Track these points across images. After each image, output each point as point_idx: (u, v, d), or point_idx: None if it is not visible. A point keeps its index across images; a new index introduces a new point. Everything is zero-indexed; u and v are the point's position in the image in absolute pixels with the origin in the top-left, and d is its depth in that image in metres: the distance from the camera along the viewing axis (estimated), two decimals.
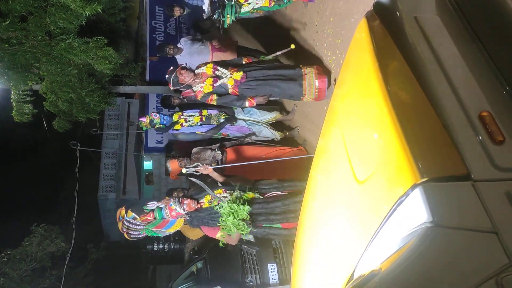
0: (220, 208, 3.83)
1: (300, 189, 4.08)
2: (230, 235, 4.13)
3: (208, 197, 4.00)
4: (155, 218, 3.90)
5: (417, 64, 1.79)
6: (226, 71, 4.46)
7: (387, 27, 2.04)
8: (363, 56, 2.08)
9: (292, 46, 4.48)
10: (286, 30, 5.71)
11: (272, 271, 4.98)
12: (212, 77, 4.46)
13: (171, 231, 4.08)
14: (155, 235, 4.09)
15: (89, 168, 14.62)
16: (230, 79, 4.44)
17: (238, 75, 4.43)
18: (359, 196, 1.89)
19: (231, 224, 3.78)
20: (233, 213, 3.79)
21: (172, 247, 9.62)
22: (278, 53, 4.63)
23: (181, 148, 5.74)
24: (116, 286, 15.52)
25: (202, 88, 4.48)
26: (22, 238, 10.18)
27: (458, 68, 1.71)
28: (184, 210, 3.86)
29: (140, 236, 4.00)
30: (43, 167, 16.36)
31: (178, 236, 9.41)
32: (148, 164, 10.95)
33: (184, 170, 4.13)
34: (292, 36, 5.53)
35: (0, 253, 9.88)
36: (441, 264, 1.35)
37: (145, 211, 3.95)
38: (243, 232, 3.87)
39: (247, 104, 4.53)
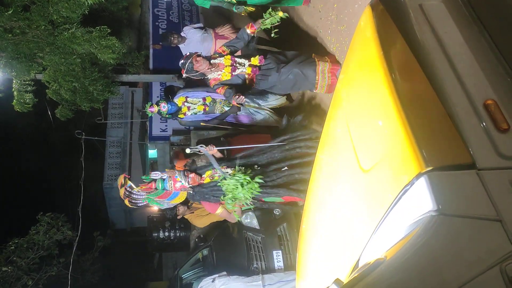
0: (223, 181, 3.90)
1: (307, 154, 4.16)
2: (230, 212, 4.20)
3: (209, 172, 4.07)
4: (156, 189, 3.92)
5: (422, 52, 1.78)
6: (244, 60, 4.45)
7: (392, 15, 2.02)
8: (368, 44, 2.07)
9: (280, 14, 4.33)
10: (289, 18, 5.66)
11: (277, 258, 5.01)
12: (231, 65, 4.45)
13: (174, 202, 4.09)
14: (157, 205, 4.09)
15: (94, 157, 14.71)
16: (249, 67, 4.43)
17: (256, 60, 4.43)
18: (364, 185, 1.90)
19: (241, 194, 3.86)
20: (241, 183, 3.85)
21: (178, 234, 9.67)
22: (266, 20, 4.45)
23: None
24: (123, 273, 15.70)
25: (219, 75, 4.46)
26: (28, 227, 10.26)
27: (463, 56, 1.70)
28: (188, 183, 3.89)
29: (141, 204, 4.00)
30: (49, 156, 16.44)
31: (184, 224, 9.46)
32: (152, 153, 10.97)
33: (187, 150, 4.12)
34: (295, 23, 5.49)
35: (8, 242, 9.98)
36: (446, 252, 1.37)
37: (144, 180, 3.97)
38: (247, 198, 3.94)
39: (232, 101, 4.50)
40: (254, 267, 4.93)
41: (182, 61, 4.52)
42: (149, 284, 11.20)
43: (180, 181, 3.87)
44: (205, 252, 6.14)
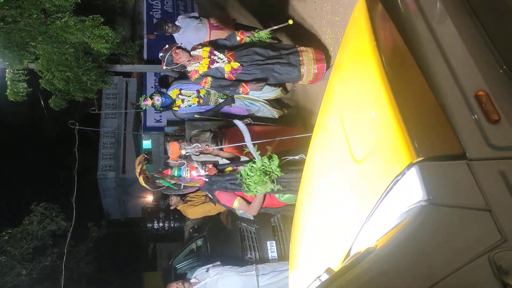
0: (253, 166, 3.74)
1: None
2: (249, 204, 4.05)
3: (229, 169, 3.97)
4: (172, 176, 3.88)
5: (415, 43, 1.79)
6: (223, 56, 4.37)
7: (385, 6, 2.03)
8: (361, 35, 2.07)
9: (290, 22, 4.40)
10: (285, 8, 5.65)
11: (271, 248, 5.04)
12: (209, 57, 4.39)
13: (190, 185, 3.98)
14: (172, 187, 4.02)
15: (89, 148, 14.67)
16: (228, 65, 4.36)
17: (236, 64, 4.35)
18: (356, 175, 1.91)
19: (265, 182, 3.68)
20: (265, 172, 3.70)
21: (172, 225, 9.71)
22: (274, 27, 4.54)
23: None
24: (117, 263, 15.75)
25: (197, 67, 4.40)
26: (22, 217, 10.25)
27: (455, 47, 1.71)
28: (205, 171, 3.87)
29: (159, 186, 3.90)
30: (42, 146, 16.37)
31: (178, 215, 9.49)
32: (147, 143, 10.97)
33: (183, 152, 4.11)
34: (291, 13, 5.48)
35: (1, 232, 9.96)
36: (435, 241, 1.38)
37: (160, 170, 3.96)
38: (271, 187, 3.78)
39: (240, 90, 4.43)
40: (248, 257, 4.96)
41: (161, 54, 4.43)
42: (144, 274, 11.26)
43: (197, 168, 3.83)
44: (199, 242, 6.17)
